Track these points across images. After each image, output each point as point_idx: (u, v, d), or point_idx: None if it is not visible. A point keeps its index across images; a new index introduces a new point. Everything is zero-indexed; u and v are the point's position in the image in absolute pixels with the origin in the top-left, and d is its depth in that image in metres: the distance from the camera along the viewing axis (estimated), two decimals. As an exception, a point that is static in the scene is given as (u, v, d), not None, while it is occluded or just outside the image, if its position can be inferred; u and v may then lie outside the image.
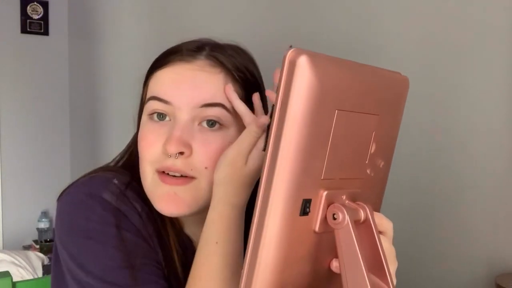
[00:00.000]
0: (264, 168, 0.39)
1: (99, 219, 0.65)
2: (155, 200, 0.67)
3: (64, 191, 0.70)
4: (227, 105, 0.66)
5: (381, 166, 0.48)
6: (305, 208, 0.41)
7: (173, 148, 0.63)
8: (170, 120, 0.67)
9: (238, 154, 0.62)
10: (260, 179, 0.40)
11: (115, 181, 0.70)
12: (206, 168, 0.65)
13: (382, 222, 0.50)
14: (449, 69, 1.27)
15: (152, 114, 0.68)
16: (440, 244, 1.30)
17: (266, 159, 0.39)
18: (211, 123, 0.66)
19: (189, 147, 0.65)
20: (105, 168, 0.76)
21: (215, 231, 0.62)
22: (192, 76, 0.67)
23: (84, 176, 0.72)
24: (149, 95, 0.69)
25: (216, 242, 0.61)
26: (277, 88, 0.38)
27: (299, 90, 0.37)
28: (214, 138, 0.66)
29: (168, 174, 0.66)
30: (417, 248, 1.34)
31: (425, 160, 1.33)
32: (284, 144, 0.38)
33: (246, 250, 0.41)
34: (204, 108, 0.65)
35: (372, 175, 0.47)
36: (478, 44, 1.21)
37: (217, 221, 0.62)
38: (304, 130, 0.38)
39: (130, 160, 0.76)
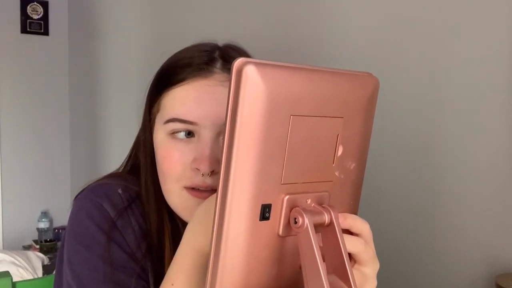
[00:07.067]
0: (220, 174, 0.40)
1: (95, 228, 0.68)
2: (188, 214, 0.67)
3: (79, 193, 0.73)
4: None
5: (351, 168, 0.49)
6: (265, 213, 0.42)
7: (207, 168, 0.65)
8: (193, 136, 0.67)
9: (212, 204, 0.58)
10: (217, 185, 0.40)
11: (120, 191, 0.72)
12: None
13: (356, 224, 0.49)
14: (448, 68, 1.27)
15: (174, 133, 0.68)
16: (440, 244, 1.30)
17: (221, 166, 0.40)
18: None
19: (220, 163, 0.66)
20: (116, 174, 0.78)
21: (174, 273, 0.57)
22: (212, 92, 0.66)
23: (97, 180, 0.75)
24: (168, 115, 0.68)
25: (172, 284, 0.57)
26: (227, 97, 0.39)
27: (247, 98, 0.38)
28: None
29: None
30: (417, 248, 1.34)
31: (425, 160, 1.33)
32: (236, 152, 0.39)
33: (209, 254, 0.41)
34: None
35: (342, 177, 0.48)
36: (478, 43, 1.21)
37: (179, 263, 0.57)
38: (255, 137, 0.39)
39: (134, 165, 0.78)
